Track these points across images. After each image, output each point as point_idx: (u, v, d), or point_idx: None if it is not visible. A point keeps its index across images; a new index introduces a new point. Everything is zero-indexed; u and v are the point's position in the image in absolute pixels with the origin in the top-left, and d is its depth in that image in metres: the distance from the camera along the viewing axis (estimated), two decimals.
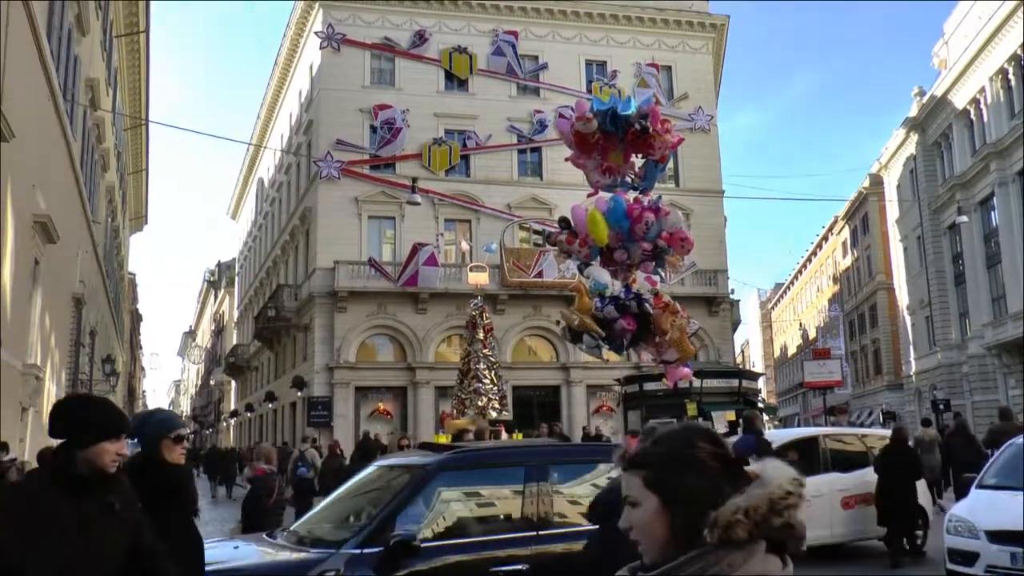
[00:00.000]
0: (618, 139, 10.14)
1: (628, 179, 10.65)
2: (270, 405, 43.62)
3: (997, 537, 8.47)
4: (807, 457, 11.90)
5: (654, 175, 10.72)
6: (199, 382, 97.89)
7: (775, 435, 13.50)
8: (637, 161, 10.97)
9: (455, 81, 37.47)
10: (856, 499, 12.06)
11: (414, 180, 29.43)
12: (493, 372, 25.70)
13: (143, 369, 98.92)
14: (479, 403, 24.96)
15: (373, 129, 35.92)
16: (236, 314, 66.64)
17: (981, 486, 10.18)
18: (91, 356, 27.28)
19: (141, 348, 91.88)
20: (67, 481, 2.86)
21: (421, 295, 33.93)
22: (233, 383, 66.41)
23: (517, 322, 35.39)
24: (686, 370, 11.27)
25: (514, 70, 37.75)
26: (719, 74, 42.63)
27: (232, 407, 65.82)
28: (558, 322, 11.53)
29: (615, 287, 10.78)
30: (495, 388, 25.52)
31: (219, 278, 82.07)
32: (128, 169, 41.90)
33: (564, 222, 10.62)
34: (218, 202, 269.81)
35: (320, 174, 34.90)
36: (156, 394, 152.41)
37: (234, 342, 63.53)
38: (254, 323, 46.98)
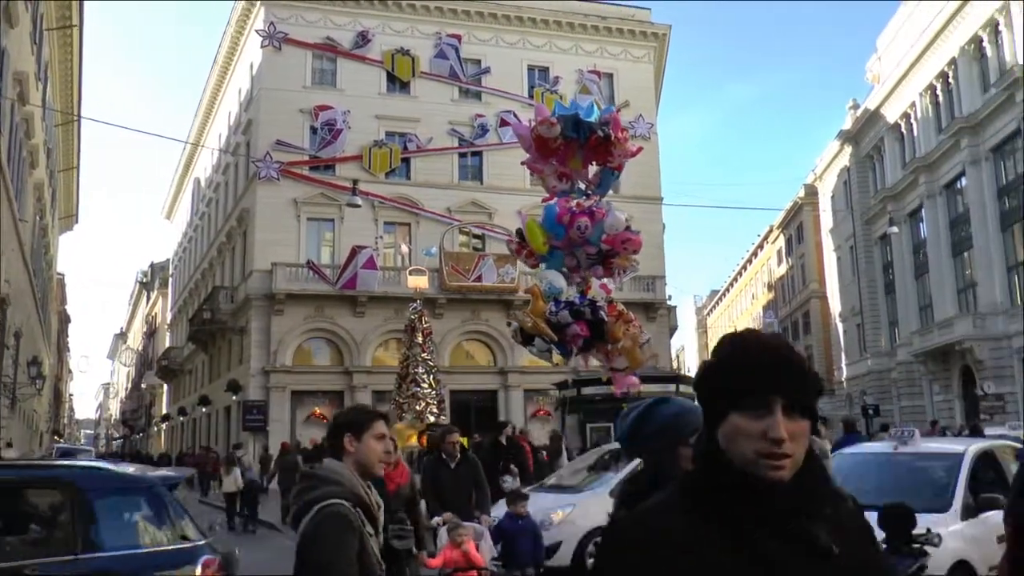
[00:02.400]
0: (579, 145, 10.17)
1: (582, 185, 10.70)
2: (204, 409, 42.83)
3: None
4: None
5: (609, 182, 10.76)
6: (129, 385, 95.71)
7: None
8: (592, 168, 11.03)
9: (397, 83, 37.25)
10: None
11: (355, 182, 29.19)
12: (431, 376, 25.65)
13: (70, 372, 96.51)
14: (417, 407, 24.89)
15: (313, 130, 35.52)
16: (170, 316, 65.36)
17: None
18: (15, 359, 26.53)
19: (69, 350, 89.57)
20: None
21: (359, 298, 33.64)
22: (165, 387, 65.08)
23: (456, 326, 35.30)
24: (634, 379, 11.34)
25: (457, 73, 37.69)
26: (660, 83, 43.09)
27: (164, 411, 64.52)
28: (509, 323, 11.49)
29: (570, 292, 10.83)
30: (433, 392, 25.47)
31: (152, 279, 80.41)
32: (59, 166, 40.85)
33: (519, 232, 10.67)
34: (153, 202, 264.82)
35: (259, 175, 34.40)
36: (84, 397, 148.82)
37: (167, 344, 62.30)
38: (188, 325, 46.10)
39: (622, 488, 2.66)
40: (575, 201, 10.36)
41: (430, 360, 26.02)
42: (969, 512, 7.56)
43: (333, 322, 33.98)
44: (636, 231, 10.41)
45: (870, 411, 43.29)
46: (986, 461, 8.50)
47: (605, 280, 10.91)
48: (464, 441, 20.78)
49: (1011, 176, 35.09)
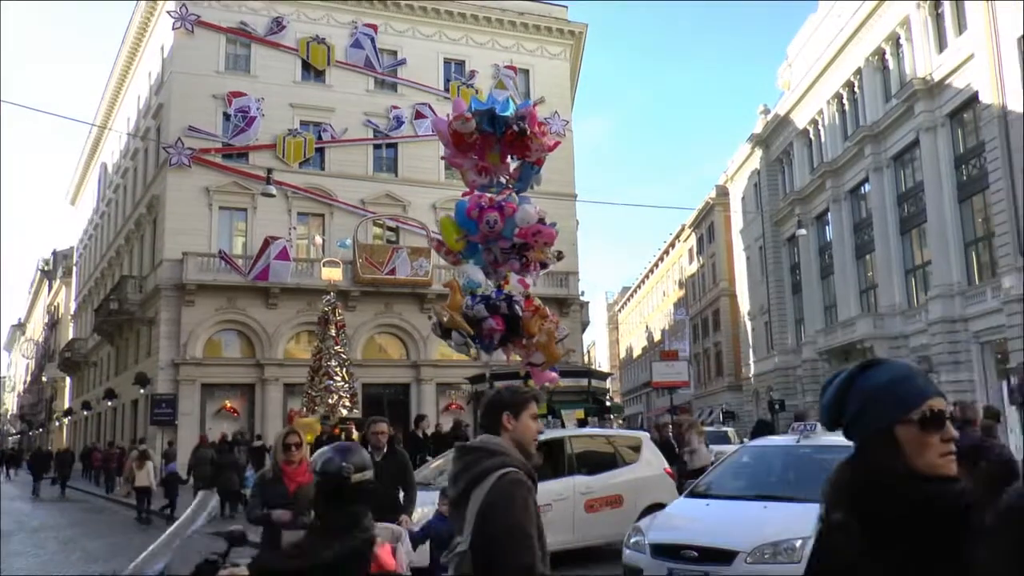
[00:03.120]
0: (495, 139, 10.21)
1: (503, 180, 10.74)
2: (109, 403, 41.58)
3: (658, 551, 7.89)
4: (553, 459, 11.33)
5: (529, 176, 10.82)
6: (28, 378, 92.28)
7: None
8: (513, 163, 11.07)
9: (312, 72, 36.74)
10: (601, 502, 11.49)
11: (269, 171, 28.71)
12: (344, 369, 25.42)
13: None
14: (329, 401, 24.65)
15: (226, 116, 34.78)
16: (73, 306, 63.14)
17: (691, 494, 9.75)
18: None
19: None
20: None
21: (272, 290, 33.11)
22: (68, 380, 62.93)
23: (369, 319, 35.04)
24: (553, 374, 11.44)
25: (372, 64, 37.36)
26: (575, 81, 43.46)
27: (67, 405, 62.45)
28: (430, 317, 11.48)
29: (489, 287, 10.85)
30: (346, 386, 25.25)
31: (55, 268, 77.55)
32: None
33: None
34: (56, 186, 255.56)
35: (169, 161, 33.52)
36: None
37: (71, 336, 60.22)
38: (94, 316, 44.72)
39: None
40: (487, 196, 10.42)
41: (343, 353, 25.77)
42: None
43: (245, 314, 33.37)
44: (551, 223, 10.48)
45: (776, 406, 44.60)
46: None
47: (524, 275, 11.00)
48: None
49: (910, 184, 36.52)
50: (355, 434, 18.86)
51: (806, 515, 7.65)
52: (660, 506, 11.52)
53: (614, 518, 11.39)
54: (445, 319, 10.50)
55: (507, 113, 10.00)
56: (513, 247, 10.34)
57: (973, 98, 30.69)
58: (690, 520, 8.61)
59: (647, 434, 13.89)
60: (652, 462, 12.60)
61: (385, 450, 7.69)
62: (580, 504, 11.24)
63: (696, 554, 7.50)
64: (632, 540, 8.37)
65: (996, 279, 29.13)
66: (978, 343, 30.93)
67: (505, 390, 3.57)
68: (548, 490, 10.48)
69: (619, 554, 11.33)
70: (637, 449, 12.58)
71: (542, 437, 11.72)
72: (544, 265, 10.86)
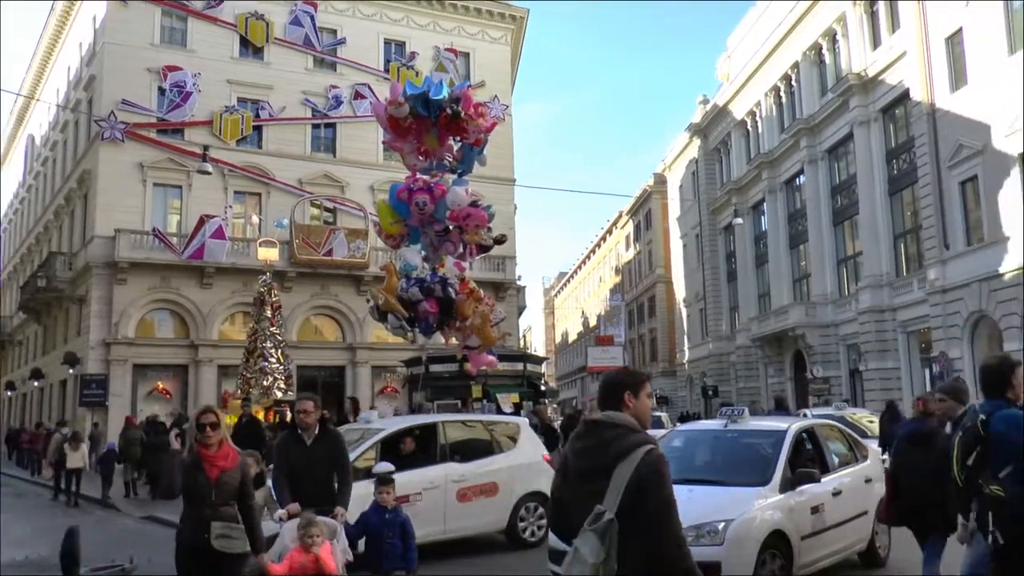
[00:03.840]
0: (430, 123, 10.17)
1: (446, 163, 10.71)
2: (36, 383, 40.50)
3: None
4: (425, 446, 10.87)
5: (471, 158, 10.80)
6: None
7: (394, 422, 11.88)
8: (455, 145, 11.02)
9: (250, 48, 35.99)
10: (474, 491, 10.93)
11: (205, 148, 28.16)
12: (280, 351, 25.18)
13: None
14: (264, 382, 24.41)
15: (161, 91, 33.90)
16: None
17: None
18: None
19: None
20: None
21: (207, 269, 32.50)
22: None
23: (305, 300, 34.66)
24: (491, 357, 11.44)
25: (311, 42, 36.77)
26: (516, 65, 43.40)
27: None
28: (367, 300, 11.44)
29: (424, 269, 10.82)
30: (281, 367, 25.02)
31: None
32: None
33: None
34: None
35: (102, 135, 32.58)
36: None
37: None
38: (19, 293, 43.39)
39: None
40: (420, 178, 10.41)
41: (278, 334, 25.53)
42: (787, 485, 7.94)
43: (179, 293, 32.71)
44: (486, 206, 10.46)
45: (709, 391, 45.49)
46: (807, 438, 9.05)
47: (460, 258, 10.98)
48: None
49: (843, 176, 37.38)
50: (289, 415, 18.70)
51: (730, 498, 7.75)
52: (537, 495, 11.36)
53: (488, 508, 11.03)
54: (380, 302, 10.47)
55: (440, 96, 9.97)
56: (447, 230, 10.33)
57: (905, 95, 31.48)
58: None
59: (526, 420, 13.38)
60: (530, 449, 12.16)
61: (316, 431, 6.95)
62: (452, 493, 10.70)
63: None
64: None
65: (922, 271, 30.02)
66: (904, 332, 31.87)
67: (624, 372, 3.83)
68: (419, 478, 10.25)
69: (492, 546, 11.32)
70: (515, 436, 12.10)
71: (412, 423, 11.21)
72: (484, 248, 10.85)
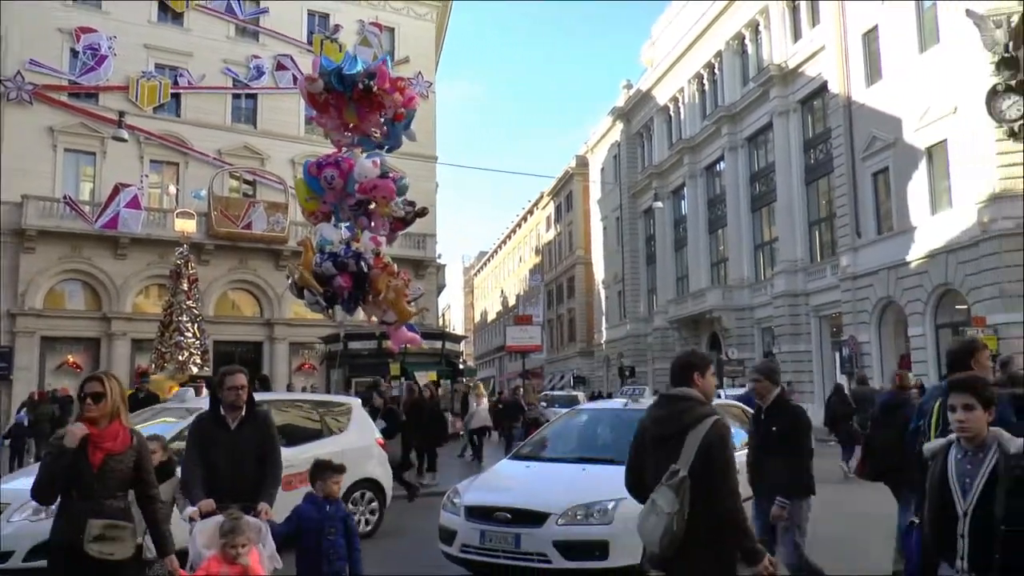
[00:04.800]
0: (347, 98, 10.06)
1: (373, 138, 10.58)
2: None
3: (472, 513, 7.65)
4: None
5: (396, 133, 10.70)
6: None
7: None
8: (382, 120, 10.90)
9: (169, 13, 34.89)
10: (299, 478, 9.55)
11: (121, 114, 27.24)
12: (196, 325, 24.73)
13: None
14: (180, 357, 23.95)
15: (74, 53, 32.64)
16: None
17: (515, 456, 9.58)
18: None
19: None
20: None
21: (121, 240, 31.54)
22: None
23: (222, 274, 33.99)
24: (413, 334, 11.37)
25: (233, 10, 35.85)
26: (441, 42, 43.11)
27: None
28: (287, 275, 11.27)
29: (340, 244, 10.68)
30: (197, 342, 24.59)
31: None
32: None
33: None
34: None
35: (7, 96, 31.22)
36: None
37: None
38: None
39: None
40: (333, 153, 10.32)
41: (195, 308, 25.08)
42: None
43: (91, 264, 31.67)
44: (398, 179, 10.39)
45: (626, 372, 46.11)
46: None
47: (374, 232, 10.88)
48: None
49: (762, 164, 38.26)
50: (204, 391, 18.30)
51: (623, 477, 7.92)
52: (369, 482, 10.92)
53: None
54: (296, 277, 10.35)
55: (354, 71, 9.86)
56: (359, 203, 10.25)
57: (823, 87, 32.32)
58: (507, 482, 8.55)
59: (358, 401, 12.60)
60: (361, 432, 11.44)
61: (244, 412, 5.71)
62: None
63: (509, 516, 7.39)
64: (449, 501, 8.17)
65: (835, 257, 30.96)
66: (817, 316, 32.89)
67: (693, 353, 4.46)
68: None
69: None
70: (346, 417, 11.39)
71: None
72: (404, 221, 10.75)
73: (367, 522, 10.84)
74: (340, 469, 6.09)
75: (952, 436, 3.68)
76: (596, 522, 7.16)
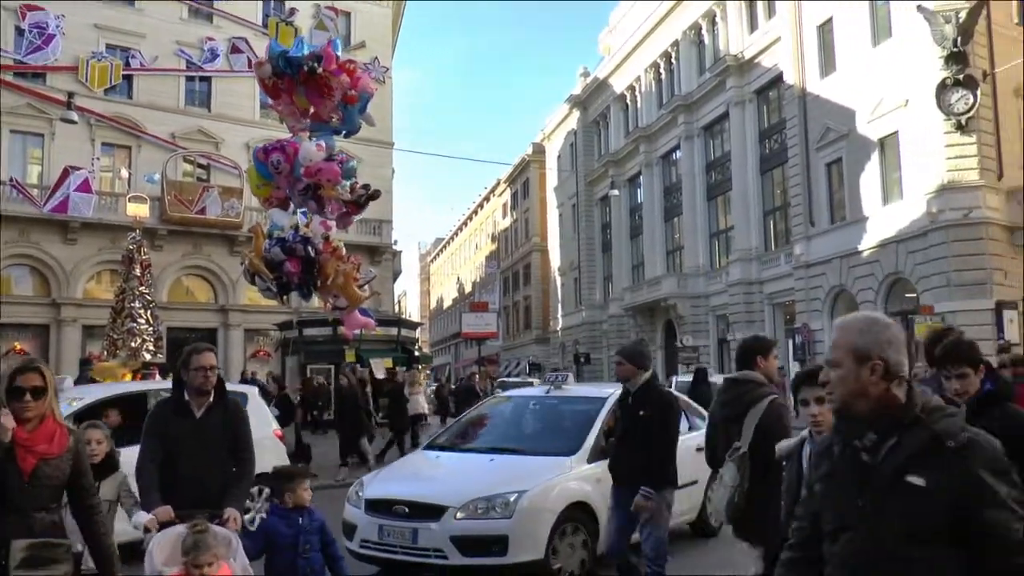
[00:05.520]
0: (296, 82, 9.99)
1: (330, 123, 10.50)
2: None
3: (372, 506, 7.31)
4: (133, 419, 8.32)
5: (351, 117, 10.58)
6: None
7: (94, 390, 10.40)
8: (339, 104, 10.82)
9: None
10: None
11: (70, 95, 26.59)
12: (149, 312, 24.32)
13: None
14: (132, 344, 23.55)
15: (20, 32, 31.80)
16: None
17: (428, 446, 9.23)
18: None
19: None
20: None
21: (71, 224, 30.90)
22: None
23: (176, 260, 33.50)
24: (367, 319, 11.30)
25: None
26: (398, 28, 42.80)
27: None
28: (241, 261, 11.14)
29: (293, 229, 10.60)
30: (150, 329, 24.18)
31: None
32: None
33: None
34: None
35: None
36: None
37: None
38: None
39: None
40: (281, 138, 10.26)
41: (148, 294, 24.64)
42: (597, 455, 7.50)
43: (39, 248, 30.96)
44: (346, 162, 10.34)
45: (582, 359, 46.41)
46: None
47: (328, 217, 10.82)
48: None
49: (718, 153, 38.67)
50: (158, 378, 18.04)
51: (531, 468, 7.47)
52: (262, 476, 10.44)
53: None
54: (245, 263, 10.27)
55: (300, 54, 9.77)
56: (307, 188, 10.18)
57: (778, 78, 32.72)
58: (412, 474, 8.24)
59: (254, 390, 12.12)
60: (258, 423, 10.64)
61: (212, 399, 4.89)
62: None
63: (407, 510, 7.06)
64: (354, 494, 7.77)
65: (789, 246, 31.42)
66: (770, 304, 33.40)
67: (755, 339, 4.97)
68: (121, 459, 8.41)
69: None
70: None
71: (116, 391, 9.74)
72: (358, 205, 10.68)
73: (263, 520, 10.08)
74: (306, 474, 5.43)
75: (805, 432, 3.59)
76: (496, 516, 6.85)
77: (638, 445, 6.21)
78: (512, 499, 6.89)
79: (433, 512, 6.94)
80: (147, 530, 4.39)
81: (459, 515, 6.90)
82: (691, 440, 8.29)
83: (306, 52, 9.65)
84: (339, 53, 9.98)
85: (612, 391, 8.11)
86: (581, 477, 7.38)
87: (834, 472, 2.37)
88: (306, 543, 4.99)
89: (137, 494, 4.87)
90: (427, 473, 8.15)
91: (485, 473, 7.59)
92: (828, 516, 2.37)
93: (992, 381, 3.92)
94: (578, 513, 7.20)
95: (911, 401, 2.26)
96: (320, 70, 9.60)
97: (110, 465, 5.14)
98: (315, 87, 9.94)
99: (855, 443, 2.29)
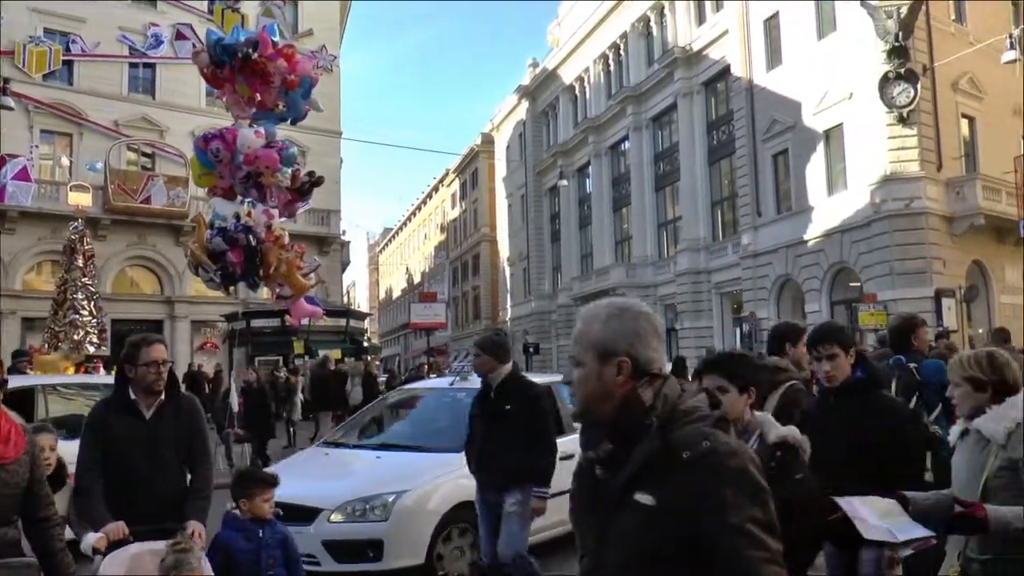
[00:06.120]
0: (234, 70, 9.87)
1: (276, 111, 10.39)
2: None
3: None
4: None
5: (295, 104, 10.42)
6: None
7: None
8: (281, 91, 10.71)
9: None
10: None
11: (6, 81, 25.86)
12: (92, 303, 23.88)
13: None
14: (75, 337, 23.10)
15: None
16: None
17: (324, 442, 8.95)
18: None
19: None
20: None
21: (9, 213, 30.04)
22: None
23: (120, 250, 32.83)
24: (313, 307, 11.19)
25: None
26: (346, 15, 42.37)
27: None
28: (186, 253, 10.97)
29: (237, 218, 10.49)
30: (94, 321, 23.73)
31: None
32: None
33: None
34: None
35: None
36: None
37: None
38: None
39: None
40: (221, 126, 10.15)
41: (91, 286, 24.17)
42: None
43: None
44: (286, 148, 10.25)
45: (531, 349, 46.50)
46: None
47: (269, 205, 10.73)
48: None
49: (666, 144, 39.00)
50: (102, 371, 17.75)
51: (417, 466, 7.08)
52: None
53: None
54: (188, 254, 10.14)
55: (235, 41, 9.64)
56: (248, 176, 10.06)
57: (726, 70, 33.09)
58: (299, 472, 7.47)
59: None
60: None
61: (163, 396, 4.32)
62: None
63: (281, 512, 6.34)
64: None
65: (736, 236, 31.85)
66: (718, 293, 33.83)
67: (786, 324, 5.18)
68: None
69: None
70: None
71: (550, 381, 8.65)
72: (301, 192, 10.57)
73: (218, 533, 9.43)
74: (272, 481, 4.72)
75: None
76: (373, 519, 6.47)
77: (508, 443, 5.76)
78: (390, 500, 6.53)
79: (306, 514, 6.45)
80: (95, 551, 3.78)
81: (333, 518, 6.51)
82: None
83: (239, 38, 9.51)
84: (276, 38, 9.85)
85: (549, 380, 7.67)
86: (466, 475, 6.70)
87: (579, 489, 2.06)
88: (269, 558, 4.44)
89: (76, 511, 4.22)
90: (311, 472, 7.65)
91: (368, 472, 7.23)
92: (577, 540, 2.07)
93: (863, 369, 3.94)
94: (467, 514, 6.62)
95: (655, 404, 1.90)
96: (255, 56, 9.46)
97: (60, 477, 4.40)
98: (252, 74, 9.81)
99: (589, 455, 1.98)
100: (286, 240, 10.46)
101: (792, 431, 3.31)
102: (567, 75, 49.13)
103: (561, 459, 6.05)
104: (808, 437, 3.73)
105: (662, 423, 1.86)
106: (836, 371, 3.89)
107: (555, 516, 6.11)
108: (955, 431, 3.29)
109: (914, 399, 5.50)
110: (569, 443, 7.78)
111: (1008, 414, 3.00)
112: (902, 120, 23.93)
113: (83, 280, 23.63)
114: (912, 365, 5.61)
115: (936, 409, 5.52)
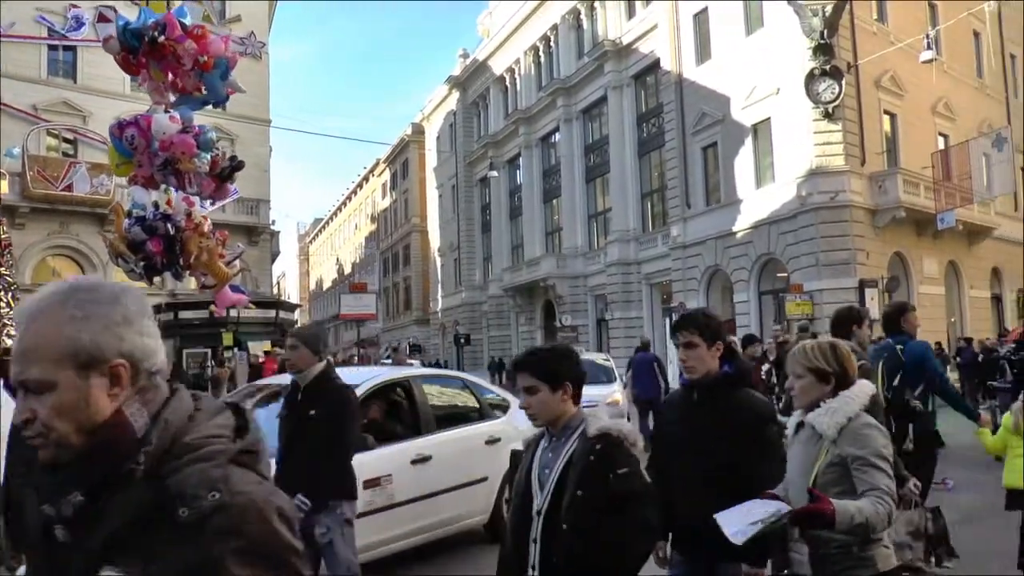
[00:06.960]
0: (144, 54, 9.67)
1: (196, 95, 10.15)
2: None
3: None
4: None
5: (213, 85, 10.19)
6: None
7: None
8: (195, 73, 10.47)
9: None
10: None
11: None
12: (10, 295, 23.12)
13: None
14: None
15: None
16: None
17: None
18: None
19: None
20: None
21: None
22: None
23: (41, 239, 31.86)
24: (239, 295, 10.98)
25: None
26: (274, 3, 41.73)
27: None
28: (106, 243, 10.65)
29: (157, 207, 10.24)
30: (11, 312, 23.06)
31: None
32: None
33: None
34: None
35: None
36: None
37: None
38: None
39: None
40: (135, 113, 9.95)
41: (9, 276, 23.39)
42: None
43: None
44: (203, 134, 10.12)
45: (462, 340, 46.54)
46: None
47: (190, 193, 10.50)
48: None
49: (597, 136, 39.32)
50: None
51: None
52: None
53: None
54: (107, 244, 9.91)
55: (143, 24, 9.44)
56: (166, 163, 9.87)
57: (656, 64, 33.51)
58: None
59: None
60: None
61: None
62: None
63: None
64: None
65: (666, 227, 32.32)
66: (648, 284, 34.27)
67: (849, 308, 5.70)
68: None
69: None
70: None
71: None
72: (221, 179, 10.38)
73: None
74: None
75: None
76: None
77: (308, 453, 5.10)
78: None
79: None
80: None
81: None
82: (479, 432, 7.63)
83: (145, 21, 9.27)
84: (187, 20, 9.63)
85: (361, 379, 6.96)
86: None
87: (36, 554, 1.46)
88: None
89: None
90: None
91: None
92: None
93: (731, 364, 3.65)
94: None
95: (149, 435, 1.33)
96: (162, 39, 9.22)
97: None
98: (163, 57, 9.55)
99: (46, 510, 1.34)
100: (207, 228, 10.28)
101: (618, 423, 2.98)
102: (498, 66, 49.17)
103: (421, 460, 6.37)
104: (671, 430, 3.70)
105: (155, 462, 1.31)
106: (694, 361, 3.55)
107: (373, 536, 6.09)
108: (791, 423, 3.27)
109: (898, 376, 5.91)
110: (488, 428, 7.85)
111: (841, 408, 3.01)
112: (827, 116, 24.58)
113: (1, 270, 22.95)
114: (898, 347, 6.07)
115: (919, 387, 5.99)
